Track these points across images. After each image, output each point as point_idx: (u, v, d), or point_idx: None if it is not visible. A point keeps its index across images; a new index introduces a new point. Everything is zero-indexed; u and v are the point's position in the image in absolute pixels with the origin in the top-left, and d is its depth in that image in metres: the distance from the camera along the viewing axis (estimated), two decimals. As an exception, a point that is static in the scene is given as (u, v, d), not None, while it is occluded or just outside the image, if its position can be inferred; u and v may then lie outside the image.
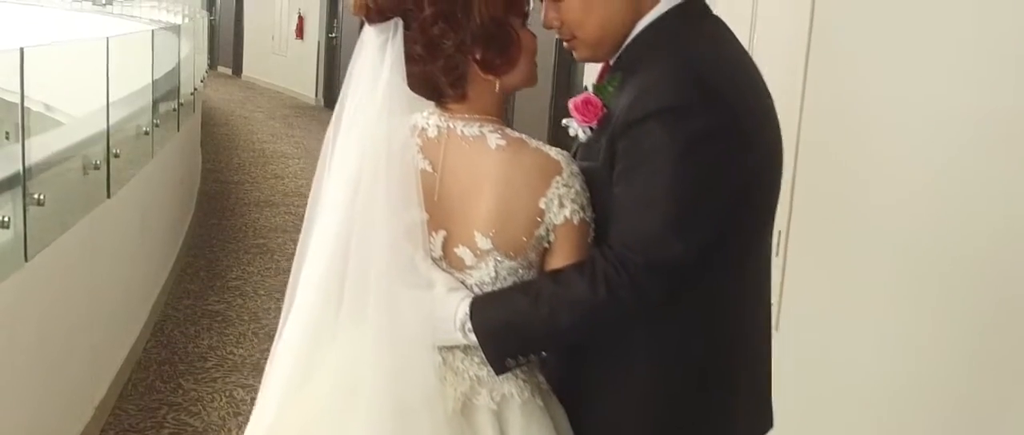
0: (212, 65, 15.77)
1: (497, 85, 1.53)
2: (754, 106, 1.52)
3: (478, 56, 1.50)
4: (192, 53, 7.62)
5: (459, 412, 1.49)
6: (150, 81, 5.18)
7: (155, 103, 5.20)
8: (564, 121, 1.59)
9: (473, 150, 1.50)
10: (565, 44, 1.61)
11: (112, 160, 3.92)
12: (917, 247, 2.47)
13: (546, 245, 1.50)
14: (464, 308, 1.47)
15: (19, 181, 2.85)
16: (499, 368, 1.48)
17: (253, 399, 3.87)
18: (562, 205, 1.47)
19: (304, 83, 15.09)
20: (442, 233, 1.51)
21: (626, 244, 1.42)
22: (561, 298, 1.44)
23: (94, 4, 15.56)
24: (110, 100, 4.03)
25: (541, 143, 1.52)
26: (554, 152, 1.49)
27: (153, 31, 5.81)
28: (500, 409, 1.50)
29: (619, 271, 1.41)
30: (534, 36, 1.57)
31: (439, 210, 1.50)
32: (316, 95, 14.70)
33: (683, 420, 1.56)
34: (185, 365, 4.29)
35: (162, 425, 3.71)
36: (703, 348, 1.54)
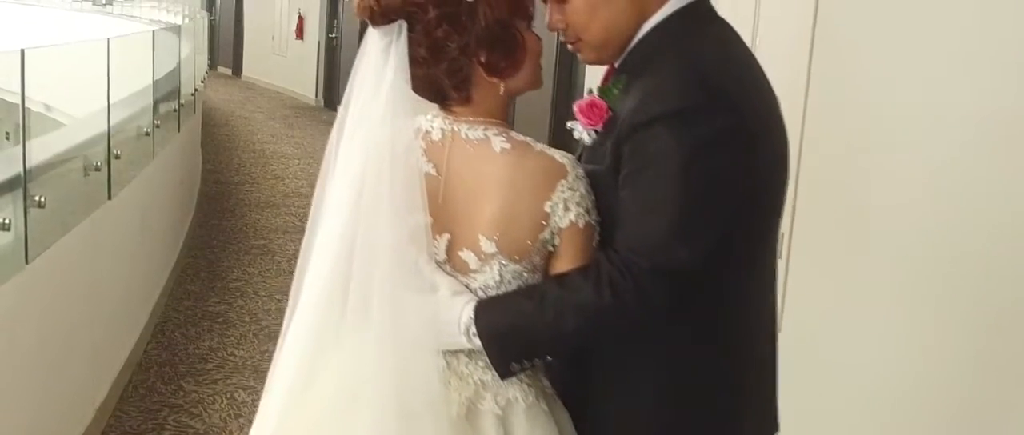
0: (212, 65, 15.77)
1: (502, 88, 1.52)
2: (760, 109, 1.51)
3: (483, 59, 1.49)
4: (192, 53, 7.61)
5: (463, 417, 1.48)
6: (151, 82, 5.17)
7: (156, 104, 5.19)
8: (569, 124, 1.59)
9: (477, 153, 1.50)
10: (570, 46, 1.60)
11: (113, 161, 3.91)
12: (920, 248, 2.46)
13: (551, 249, 1.49)
14: (468, 312, 1.46)
15: (20, 183, 2.84)
16: (504, 372, 1.48)
17: (254, 401, 3.90)
18: (567, 209, 1.47)
19: (304, 83, 15.08)
20: (446, 237, 1.50)
21: (632, 248, 1.41)
22: (566, 302, 1.44)
23: (94, 4, 15.56)
24: (111, 101, 4.02)
25: (546, 146, 1.51)
26: (559, 155, 1.49)
27: (154, 32, 5.81)
28: (505, 414, 1.50)
29: (624, 275, 1.40)
30: (539, 38, 1.56)
31: (443, 213, 1.49)
32: (316, 95, 14.70)
33: (689, 424, 1.55)
34: (186, 367, 4.28)
35: (163, 427, 3.70)
36: (709, 351, 1.53)
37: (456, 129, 1.52)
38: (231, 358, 4.40)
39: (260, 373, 4.18)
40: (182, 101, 6.39)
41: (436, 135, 1.52)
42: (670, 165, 1.40)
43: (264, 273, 5.74)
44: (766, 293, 1.62)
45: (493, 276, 1.49)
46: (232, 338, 4.65)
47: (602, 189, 1.48)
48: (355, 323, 1.49)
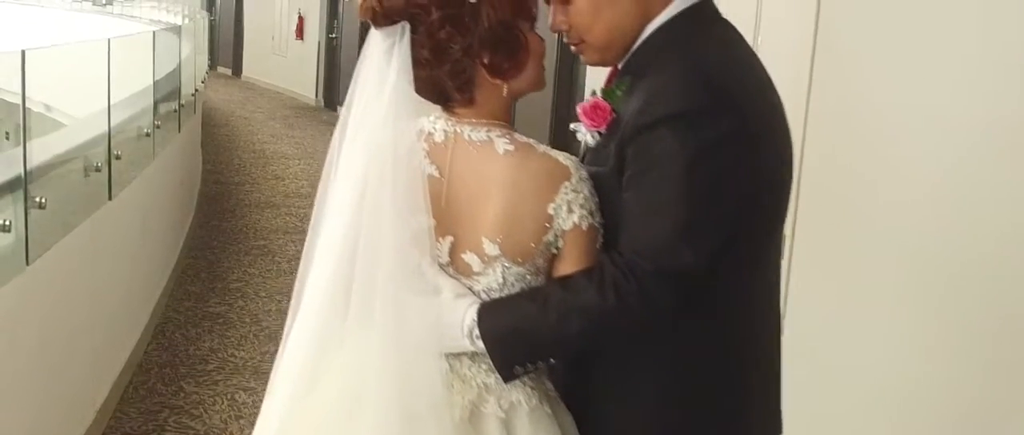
0: (212, 66, 15.77)
1: (505, 89, 1.52)
2: (764, 110, 1.51)
3: (486, 60, 1.49)
4: (193, 54, 7.61)
5: (466, 420, 1.47)
6: (151, 82, 5.17)
7: (156, 104, 5.18)
8: (572, 125, 1.58)
9: (481, 155, 1.49)
10: (573, 48, 1.59)
11: (113, 162, 3.90)
12: (923, 250, 2.46)
13: (554, 251, 1.49)
14: (472, 314, 1.46)
15: (20, 184, 2.83)
16: (507, 375, 1.47)
17: (255, 402, 3.89)
18: (571, 211, 1.46)
19: (304, 84, 15.08)
20: (449, 239, 1.50)
21: (636, 251, 1.41)
22: (570, 304, 1.43)
23: (94, 4, 15.57)
24: (111, 102, 4.01)
25: (549, 148, 1.50)
26: (563, 157, 1.48)
27: (154, 32, 5.80)
28: (508, 417, 1.49)
29: (628, 278, 1.40)
30: (542, 40, 1.55)
31: (446, 216, 1.49)
32: (316, 96, 14.69)
33: (693, 426, 1.54)
34: (186, 368, 4.28)
35: (163, 428, 3.69)
36: (713, 354, 1.53)
37: (459, 131, 1.51)
38: (232, 359, 4.40)
39: (261, 374, 4.18)
40: (182, 102, 6.38)
41: (439, 137, 1.52)
42: (674, 167, 1.40)
43: (264, 274, 5.74)
44: (770, 294, 1.61)
45: (496, 278, 1.49)
46: (233, 339, 4.65)
47: (606, 191, 1.48)
48: (358, 326, 1.49)
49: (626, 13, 1.52)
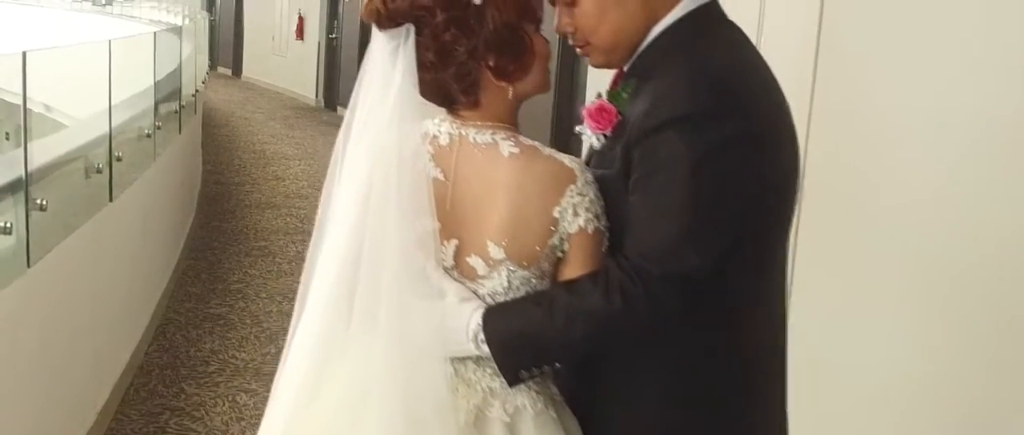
0: (212, 66, 15.77)
1: (510, 92, 1.51)
2: (771, 112, 1.50)
3: (491, 63, 1.48)
4: (193, 55, 7.60)
5: (471, 424, 1.47)
6: (152, 83, 5.16)
7: (157, 105, 5.18)
8: (577, 128, 1.57)
9: (486, 158, 1.48)
10: (578, 50, 1.58)
11: (114, 163, 3.90)
12: (927, 250, 2.45)
13: (560, 255, 1.48)
14: (477, 318, 1.45)
15: (21, 186, 2.83)
16: (512, 379, 1.46)
17: (256, 403, 3.89)
18: (576, 214, 1.45)
19: (304, 84, 15.08)
20: (454, 242, 1.49)
21: (642, 254, 1.40)
22: (575, 308, 1.42)
23: (94, 4, 15.57)
24: (112, 103, 4.01)
25: (555, 151, 1.49)
26: (568, 160, 1.47)
27: (156, 33, 5.79)
28: (513, 421, 1.48)
29: (635, 282, 1.39)
30: (547, 42, 1.54)
31: (451, 219, 1.48)
32: (316, 96, 14.68)
33: (698, 430, 1.54)
34: (187, 369, 4.27)
35: (164, 430, 3.69)
36: (719, 357, 1.52)
37: (464, 134, 1.50)
38: (232, 360, 4.39)
39: (262, 375, 4.18)
40: (183, 102, 6.38)
41: (444, 140, 1.51)
42: (680, 170, 1.39)
43: (265, 275, 5.72)
44: (776, 296, 1.60)
45: (501, 282, 1.48)
46: (233, 340, 4.64)
47: (612, 194, 1.47)
48: (362, 329, 1.48)
49: (632, 15, 1.51)
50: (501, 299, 1.48)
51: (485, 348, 1.44)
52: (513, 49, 1.48)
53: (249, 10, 17.72)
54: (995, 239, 2.26)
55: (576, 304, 1.42)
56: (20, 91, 2.87)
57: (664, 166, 1.40)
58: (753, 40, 1.59)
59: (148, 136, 4.81)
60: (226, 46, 18.31)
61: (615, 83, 1.58)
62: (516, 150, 1.48)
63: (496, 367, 1.46)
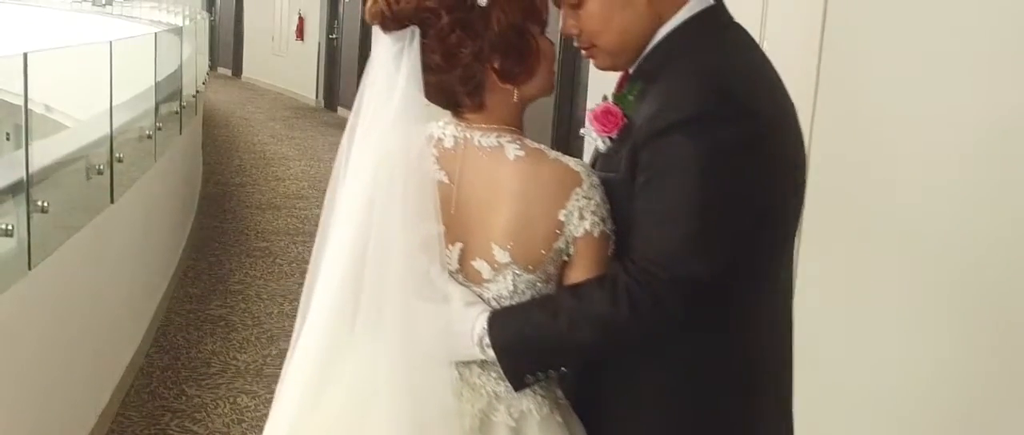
0: (212, 66, 15.76)
1: (515, 95, 1.50)
2: (776, 115, 1.49)
3: (496, 65, 1.47)
4: (194, 55, 7.60)
5: (477, 429, 1.46)
6: (153, 84, 5.15)
7: (157, 106, 5.17)
8: (582, 130, 1.57)
9: (491, 161, 1.47)
10: (583, 53, 1.58)
11: (115, 164, 3.89)
12: (931, 248, 2.45)
13: (565, 258, 1.47)
14: (482, 322, 1.44)
15: (23, 188, 2.82)
16: (517, 384, 1.46)
17: (257, 405, 3.88)
18: (582, 217, 1.44)
19: (304, 84, 15.07)
20: (459, 246, 1.48)
21: (649, 259, 1.39)
22: (581, 313, 1.41)
23: (94, 5, 15.57)
24: (113, 104, 4.00)
25: (561, 154, 1.49)
26: (574, 163, 1.46)
27: (156, 34, 5.78)
28: (518, 426, 1.47)
29: (642, 287, 1.38)
30: (552, 44, 1.54)
31: (456, 222, 1.47)
32: (316, 96, 14.67)
33: (701, 429, 1.53)
34: (188, 371, 4.26)
35: (165, 432, 3.68)
36: (726, 362, 1.51)
37: (469, 136, 1.50)
38: (234, 362, 4.38)
39: (263, 377, 4.17)
40: (184, 103, 6.37)
41: (449, 143, 1.50)
42: (687, 174, 1.38)
43: (266, 276, 5.71)
44: (783, 302, 1.60)
45: (506, 286, 1.47)
46: (234, 342, 4.63)
47: (617, 197, 1.46)
48: (367, 333, 1.47)
49: (638, 17, 1.50)
50: (506, 303, 1.47)
51: (490, 352, 1.44)
52: (518, 51, 1.48)
53: (249, 10, 17.71)
54: (998, 239, 2.26)
55: (582, 309, 1.42)
56: (21, 92, 2.86)
57: (671, 169, 1.39)
58: (756, 39, 1.59)
59: (149, 137, 4.80)
60: (226, 47, 18.30)
61: (621, 85, 1.57)
62: (522, 153, 1.47)
63: (501, 371, 1.45)
